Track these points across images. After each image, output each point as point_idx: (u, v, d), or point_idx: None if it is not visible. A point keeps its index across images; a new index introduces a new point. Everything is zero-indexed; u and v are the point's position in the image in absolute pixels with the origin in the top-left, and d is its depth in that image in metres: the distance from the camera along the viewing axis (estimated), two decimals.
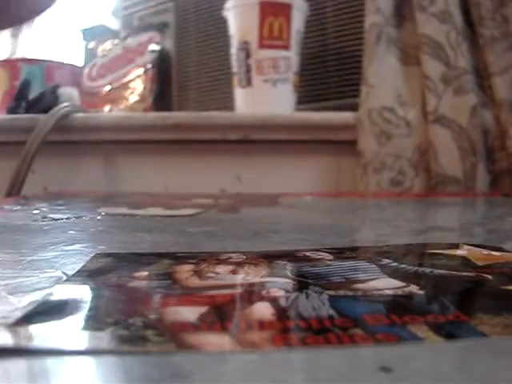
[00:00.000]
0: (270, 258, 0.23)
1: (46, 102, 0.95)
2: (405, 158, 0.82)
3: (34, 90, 1.01)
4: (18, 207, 0.50)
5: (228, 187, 0.88)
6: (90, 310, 0.16)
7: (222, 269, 0.21)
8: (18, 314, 0.15)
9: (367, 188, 0.82)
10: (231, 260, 0.23)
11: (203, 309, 0.16)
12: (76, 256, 0.25)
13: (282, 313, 0.16)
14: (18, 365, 0.12)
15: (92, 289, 0.19)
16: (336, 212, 0.55)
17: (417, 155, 0.82)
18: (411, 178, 0.82)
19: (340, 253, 0.25)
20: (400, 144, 0.82)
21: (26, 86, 1.01)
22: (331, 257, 0.23)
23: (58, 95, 0.98)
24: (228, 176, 0.90)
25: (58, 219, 0.39)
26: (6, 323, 0.14)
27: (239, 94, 0.92)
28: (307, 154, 0.90)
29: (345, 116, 0.86)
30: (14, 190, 0.80)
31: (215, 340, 0.13)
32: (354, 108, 0.87)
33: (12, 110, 0.97)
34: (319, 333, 0.14)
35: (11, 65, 1.12)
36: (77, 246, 0.27)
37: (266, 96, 0.90)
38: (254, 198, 0.65)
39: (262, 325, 0.14)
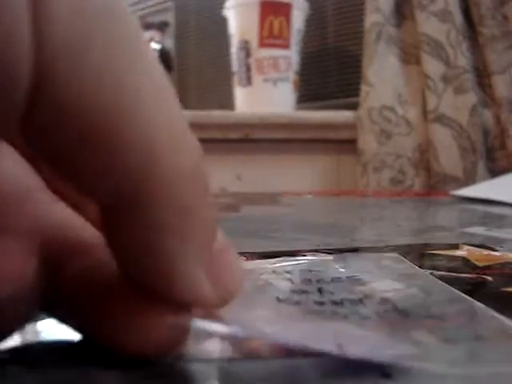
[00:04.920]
0: (269, 257, 0.23)
1: None
2: (405, 156, 0.82)
3: None
4: None
5: (228, 186, 0.88)
6: None
7: None
8: None
9: (367, 187, 0.83)
10: None
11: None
12: None
13: None
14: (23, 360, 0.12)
15: None
16: (336, 211, 0.55)
17: (417, 154, 0.82)
18: (411, 177, 0.82)
19: (340, 253, 0.25)
20: (400, 143, 0.82)
21: None
22: (331, 257, 0.23)
23: None
24: (228, 175, 0.90)
25: None
26: None
27: (239, 93, 0.93)
28: (307, 152, 0.90)
29: (345, 115, 0.86)
30: None
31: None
32: (354, 107, 0.87)
33: None
34: None
35: None
36: None
37: (266, 95, 0.90)
38: (254, 196, 0.66)
39: None
